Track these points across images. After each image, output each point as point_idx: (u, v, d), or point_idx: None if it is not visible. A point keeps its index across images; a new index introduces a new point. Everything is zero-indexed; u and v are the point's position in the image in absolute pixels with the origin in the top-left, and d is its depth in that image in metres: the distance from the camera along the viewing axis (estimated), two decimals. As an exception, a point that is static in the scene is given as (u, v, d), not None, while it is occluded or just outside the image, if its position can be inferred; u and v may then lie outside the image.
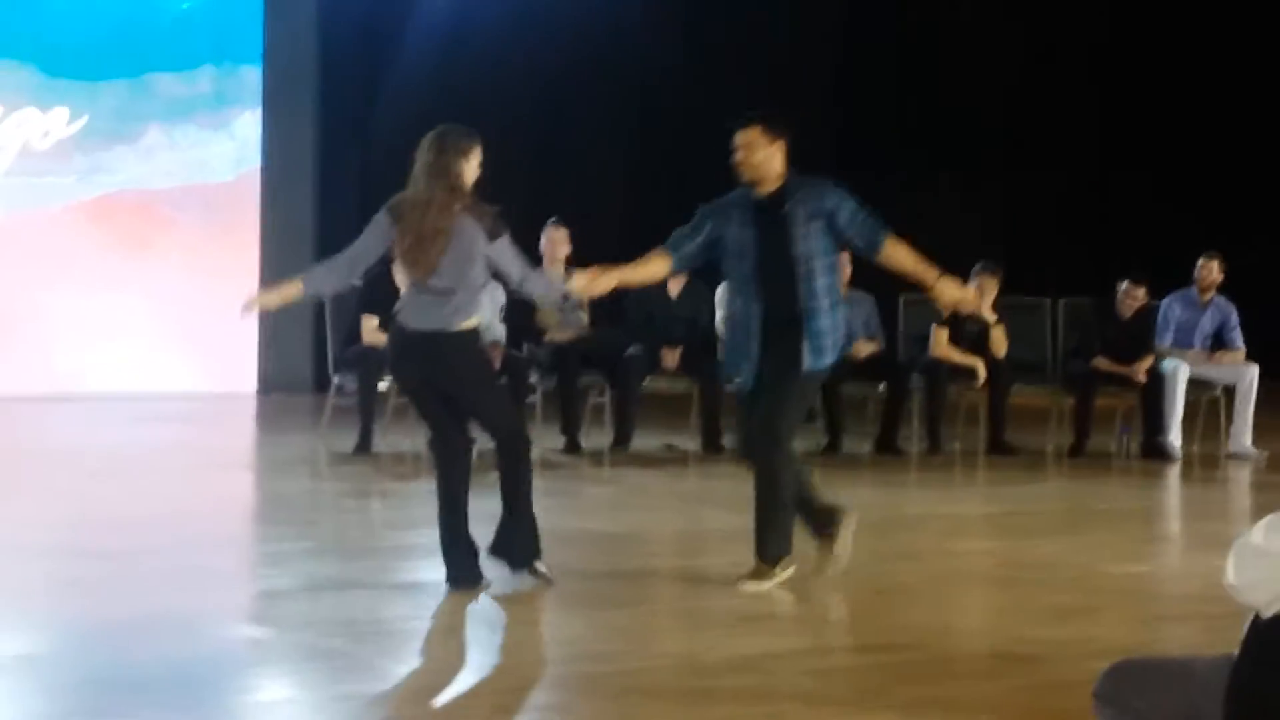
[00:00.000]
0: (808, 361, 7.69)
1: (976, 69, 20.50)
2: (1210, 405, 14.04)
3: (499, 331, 12.89)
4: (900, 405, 13.59)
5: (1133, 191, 20.91)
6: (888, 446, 13.49)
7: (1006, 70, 20.60)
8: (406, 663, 6.42)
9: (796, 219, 7.67)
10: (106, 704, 5.60)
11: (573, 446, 12.96)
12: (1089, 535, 9.83)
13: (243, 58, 18.01)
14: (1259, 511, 3.20)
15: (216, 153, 17.95)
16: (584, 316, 12.92)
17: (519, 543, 7.55)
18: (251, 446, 14.97)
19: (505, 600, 7.44)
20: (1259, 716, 3.36)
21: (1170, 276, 14.29)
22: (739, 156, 7.79)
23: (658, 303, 13.00)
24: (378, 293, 11.35)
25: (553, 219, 13.27)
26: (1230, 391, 13.85)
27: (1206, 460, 13.58)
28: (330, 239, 16.53)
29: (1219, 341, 14.02)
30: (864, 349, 13.56)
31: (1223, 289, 14.08)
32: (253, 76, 18.06)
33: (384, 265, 8.84)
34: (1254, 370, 13.75)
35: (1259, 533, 3.36)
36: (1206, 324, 14.03)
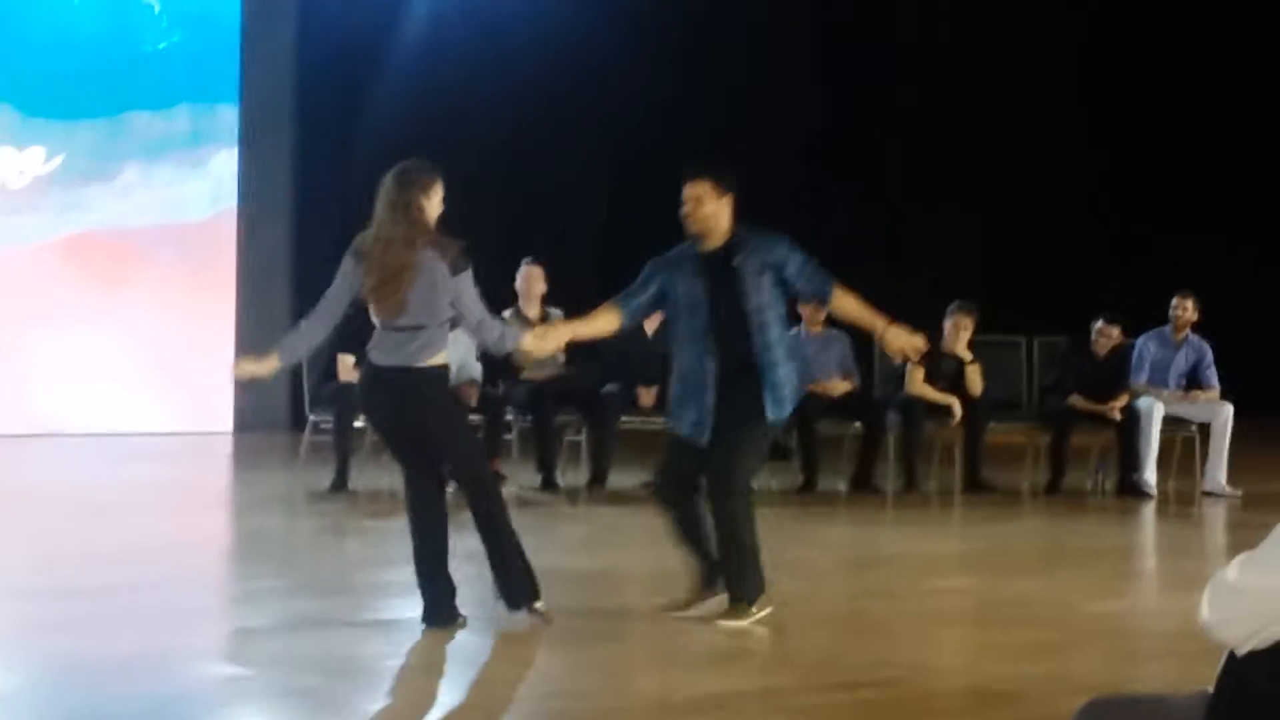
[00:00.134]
0: (771, 413, 7.75)
1: (954, 107, 20.58)
2: (1185, 443, 14.07)
3: (475, 370, 12.89)
4: (876, 443, 13.60)
5: (1108, 231, 20.99)
6: (864, 484, 13.50)
7: (985, 108, 20.68)
8: (382, 701, 6.40)
9: (748, 273, 7.71)
10: (81, 743, 5.59)
11: (549, 484, 12.96)
12: (1065, 573, 9.84)
13: (219, 96, 18.03)
14: (1234, 549, 3.21)
15: (193, 191, 17.95)
16: (560, 355, 12.93)
17: (511, 583, 7.52)
18: (227, 484, 14.95)
19: (481, 638, 7.43)
20: (1234, 753, 3.36)
21: (1145, 316, 14.33)
22: (687, 209, 7.82)
23: (634, 341, 13.00)
24: (353, 331, 11.33)
25: (528, 258, 13.30)
26: (1205, 429, 13.88)
27: (1182, 498, 13.61)
28: (307, 277, 16.55)
29: (1194, 380, 14.05)
30: (839, 387, 13.58)
31: (1197, 328, 14.11)
32: (229, 115, 18.08)
33: (360, 304, 8.83)
34: (1229, 409, 13.78)
35: (1233, 570, 3.36)
36: (1181, 362, 14.07)
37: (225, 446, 17.04)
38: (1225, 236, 21.01)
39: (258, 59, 18.12)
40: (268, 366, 7.80)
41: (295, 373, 14.75)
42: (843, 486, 13.55)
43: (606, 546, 10.49)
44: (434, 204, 7.50)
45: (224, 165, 18.06)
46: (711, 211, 7.78)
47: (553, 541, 10.38)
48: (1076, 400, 13.67)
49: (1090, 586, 9.26)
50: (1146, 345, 14.10)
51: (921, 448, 13.69)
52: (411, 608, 7.55)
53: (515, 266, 13.25)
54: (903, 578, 9.65)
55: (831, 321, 13.65)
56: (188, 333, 17.68)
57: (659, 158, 18.33)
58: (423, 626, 7.43)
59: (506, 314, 13.03)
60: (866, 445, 13.61)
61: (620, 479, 13.25)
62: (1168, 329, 14.10)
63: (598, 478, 13.17)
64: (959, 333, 13.57)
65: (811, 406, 13.43)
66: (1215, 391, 13.96)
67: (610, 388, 13.15)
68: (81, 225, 17.52)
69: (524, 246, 13.90)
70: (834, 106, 20.25)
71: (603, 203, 18.82)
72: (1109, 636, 7.94)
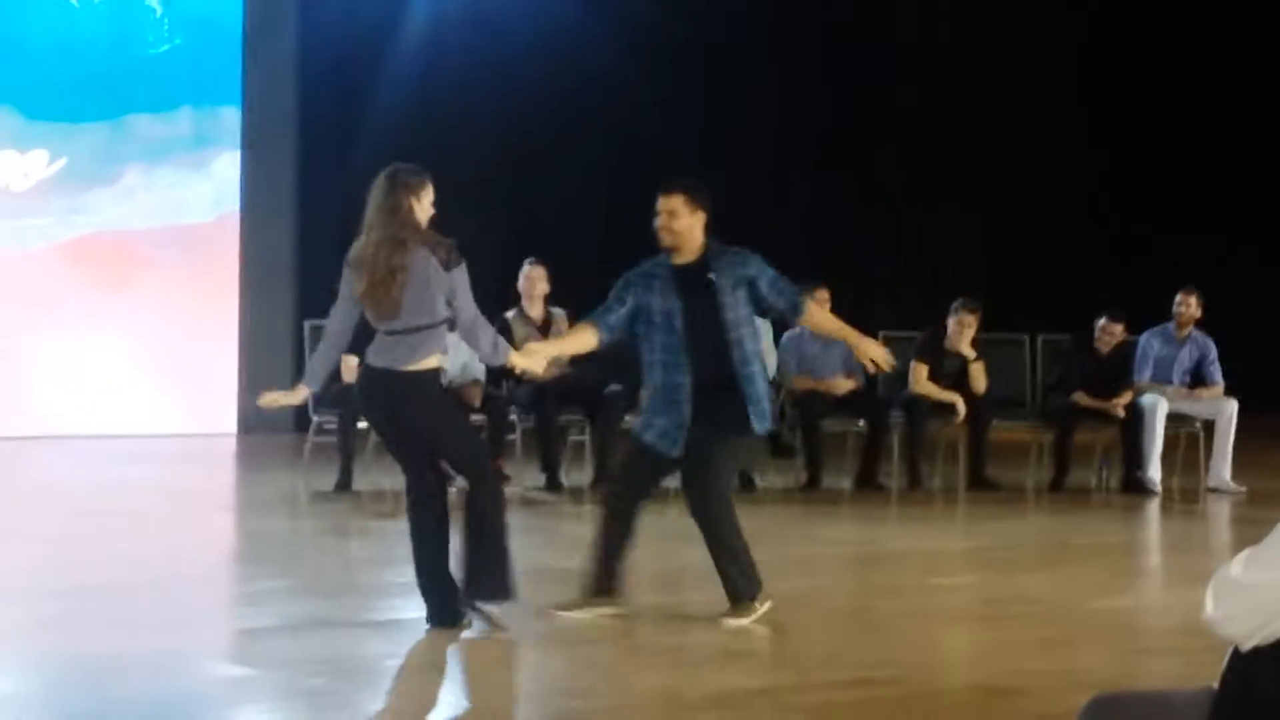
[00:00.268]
0: (758, 426, 7.79)
1: (955, 106, 20.58)
2: (1189, 440, 14.06)
3: (478, 370, 12.89)
4: (880, 441, 13.60)
5: (1110, 228, 21.00)
6: (868, 482, 13.50)
7: (987, 107, 20.68)
8: (386, 701, 6.41)
9: (723, 288, 7.73)
10: (86, 744, 5.59)
11: (553, 484, 12.96)
12: (1069, 569, 9.84)
13: (221, 99, 18.03)
14: (1238, 545, 3.21)
15: (195, 194, 17.95)
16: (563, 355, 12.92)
17: (480, 578, 7.46)
18: (232, 486, 14.95)
19: (485, 638, 7.42)
20: (1239, 748, 3.36)
21: (1148, 313, 14.32)
22: (661, 221, 7.82)
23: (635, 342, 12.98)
24: (358, 332, 11.33)
25: (531, 258, 13.30)
26: (1209, 426, 13.87)
27: (1186, 495, 13.60)
28: (310, 280, 16.57)
29: (1198, 376, 14.03)
30: (843, 386, 13.57)
31: (1200, 324, 14.10)
32: (232, 117, 18.07)
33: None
34: (1233, 405, 13.76)
35: (1238, 566, 3.36)
36: (1185, 359, 14.05)
37: (229, 448, 17.04)
38: (1228, 232, 21.02)
39: (260, 62, 18.12)
40: (298, 396, 7.84)
41: (299, 374, 14.75)
42: (847, 484, 13.56)
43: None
44: (424, 206, 7.49)
45: (226, 168, 18.06)
46: (685, 226, 7.79)
47: (556, 541, 10.37)
48: (1080, 397, 13.66)
49: (1095, 583, 9.26)
50: (1150, 342, 14.09)
51: (925, 445, 13.69)
52: (415, 608, 7.54)
53: (518, 267, 13.25)
54: (907, 575, 9.66)
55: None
56: (191, 335, 17.67)
57: (660, 158, 18.34)
58: (427, 627, 7.43)
59: (510, 314, 13.04)
60: (870, 443, 13.61)
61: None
62: (1171, 325, 14.08)
63: (601, 477, 13.16)
64: (962, 330, 13.57)
65: (815, 405, 13.45)
66: (1219, 388, 13.95)
67: (613, 388, 13.14)
68: (84, 228, 17.51)
69: (526, 247, 13.91)
70: (835, 106, 20.25)
71: (605, 203, 18.81)
72: (1114, 633, 7.94)
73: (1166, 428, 13.62)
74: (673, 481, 12.95)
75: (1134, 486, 13.51)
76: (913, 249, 20.34)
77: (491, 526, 7.48)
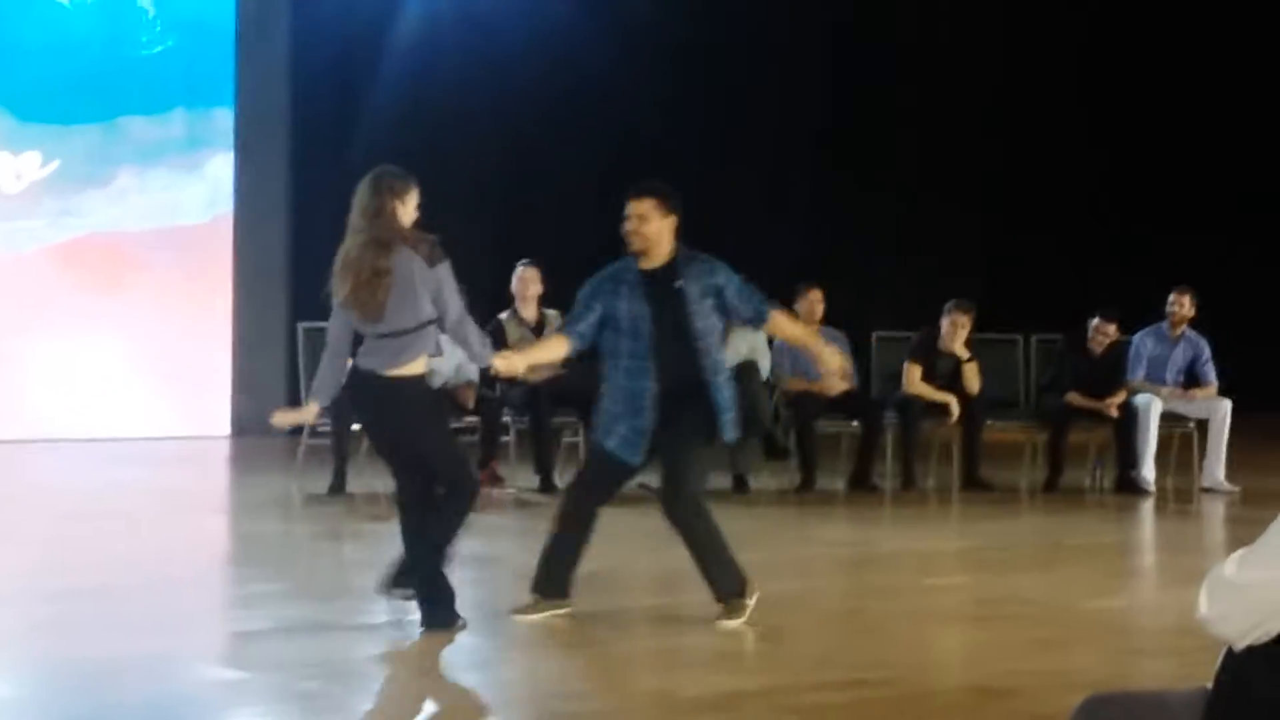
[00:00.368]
0: (727, 434, 7.81)
1: (954, 106, 20.59)
2: (1183, 440, 14.08)
3: (472, 372, 12.89)
4: (874, 442, 13.60)
5: (1105, 229, 21.01)
6: (862, 483, 13.50)
7: (985, 108, 20.70)
8: (381, 704, 6.41)
9: (692, 295, 7.72)
10: (80, 748, 5.59)
11: (547, 486, 12.95)
12: (1063, 570, 9.85)
13: (214, 100, 18.02)
14: (1232, 545, 3.21)
15: (189, 195, 17.94)
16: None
17: (408, 573, 7.51)
18: (225, 488, 14.95)
19: (480, 640, 7.43)
20: (1233, 749, 3.36)
21: (1141, 313, 14.33)
22: (631, 225, 7.81)
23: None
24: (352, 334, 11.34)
25: (524, 260, 13.30)
26: (1203, 426, 13.88)
27: (1180, 494, 13.61)
28: (304, 282, 16.51)
29: (1191, 376, 14.05)
30: (837, 386, 13.56)
31: (1193, 324, 14.11)
32: (225, 119, 18.07)
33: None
34: (1227, 405, 13.77)
35: (1231, 565, 3.36)
36: (1179, 359, 14.06)
37: (223, 450, 17.04)
38: (1222, 233, 21.04)
39: (253, 63, 18.11)
40: (310, 413, 7.83)
41: (292, 377, 14.76)
42: (841, 485, 13.56)
43: (605, 547, 10.45)
44: (409, 209, 7.48)
45: (220, 169, 18.05)
46: (656, 230, 7.77)
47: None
48: (1074, 397, 13.67)
49: (1088, 583, 9.27)
50: (1144, 342, 14.10)
51: (919, 446, 13.69)
52: (410, 610, 7.54)
53: (512, 269, 13.25)
54: (901, 576, 9.66)
55: (829, 320, 13.69)
56: (184, 337, 17.67)
57: (658, 158, 18.34)
58: (421, 630, 7.42)
59: (503, 316, 13.04)
60: (864, 444, 13.61)
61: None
62: (1164, 325, 14.10)
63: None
64: (956, 331, 13.57)
65: (809, 405, 13.45)
66: (1213, 387, 13.96)
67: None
68: (77, 230, 17.49)
69: (521, 249, 13.90)
70: (832, 106, 20.25)
71: (600, 204, 18.74)
72: (1107, 633, 7.94)
73: (1160, 428, 13.64)
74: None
75: (1128, 486, 13.52)
76: (907, 250, 20.33)
77: (441, 544, 7.47)
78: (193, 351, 17.74)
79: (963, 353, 13.60)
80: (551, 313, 13.02)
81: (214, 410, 17.79)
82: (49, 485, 14.01)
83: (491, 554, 9.57)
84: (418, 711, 6.32)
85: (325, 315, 7.72)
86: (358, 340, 7.59)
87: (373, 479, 12.55)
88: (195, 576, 9.67)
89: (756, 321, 8.04)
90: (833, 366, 8.14)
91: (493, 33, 18.65)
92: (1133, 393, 13.72)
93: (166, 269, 17.69)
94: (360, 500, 12.38)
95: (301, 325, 13.18)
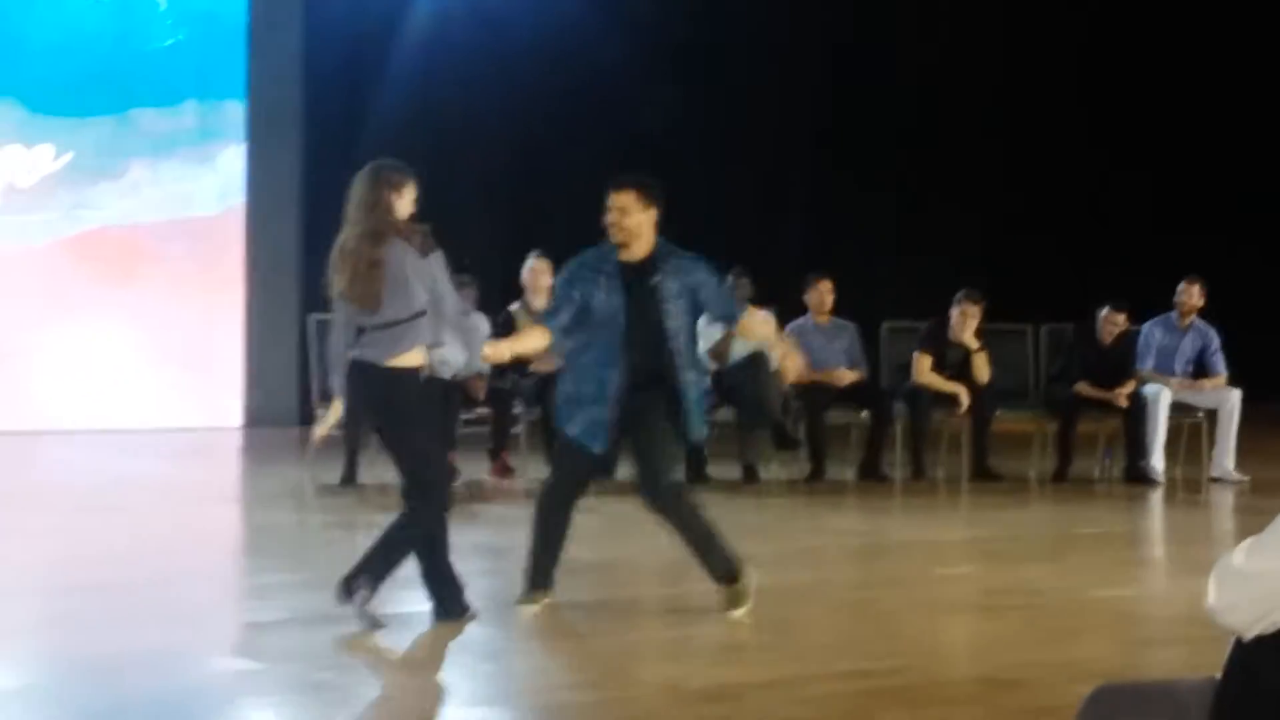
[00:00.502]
0: (694, 433, 7.90)
1: (959, 97, 20.57)
2: (1192, 430, 14.07)
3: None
4: (883, 432, 13.61)
5: (1114, 219, 20.99)
6: (871, 473, 13.52)
7: (991, 98, 20.68)
8: (393, 694, 6.43)
9: (668, 293, 7.74)
10: (96, 738, 5.62)
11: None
12: (1073, 560, 9.87)
13: (226, 92, 18.04)
14: (1241, 535, 3.23)
15: (201, 187, 17.96)
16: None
17: (363, 575, 7.44)
18: (237, 479, 14.97)
19: (492, 630, 7.45)
20: (1241, 739, 3.38)
21: (1150, 303, 14.33)
22: (612, 218, 7.82)
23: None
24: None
25: (535, 251, 13.31)
26: (1212, 416, 13.87)
27: (1189, 484, 13.61)
28: (315, 273, 16.49)
29: (1200, 366, 14.04)
30: (846, 376, 13.59)
31: (1202, 313, 14.11)
32: (237, 111, 18.08)
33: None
34: (1236, 394, 13.77)
35: (1240, 555, 3.37)
36: (1187, 348, 14.06)
37: (235, 441, 17.05)
38: (1232, 224, 21.00)
39: (264, 55, 18.12)
40: (338, 410, 7.83)
41: (304, 368, 14.78)
42: (850, 475, 13.57)
43: (615, 538, 10.49)
44: (405, 203, 7.49)
45: (232, 161, 18.07)
46: (636, 223, 7.79)
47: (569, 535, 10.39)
48: (1083, 387, 13.68)
49: (1098, 573, 9.28)
50: (1152, 331, 14.10)
51: (929, 436, 13.70)
52: (422, 600, 7.57)
53: (522, 260, 13.27)
54: (911, 566, 9.68)
55: (838, 311, 13.72)
56: (197, 328, 17.69)
57: (664, 154, 18.39)
58: (432, 620, 7.45)
59: (514, 307, 13.06)
60: (874, 434, 13.62)
61: (628, 470, 13.23)
62: (1173, 315, 14.10)
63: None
64: (965, 321, 13.58)
65: (819, 396, 13.46)
66: (1222, 377, 13.96)
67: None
68: (90, 222, 17.52)
69: (530, 240, 13.91)
70: (839, 98, 20.23)
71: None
72: (1117, 623, 7.96)
73: (1169, 417, 13.64)
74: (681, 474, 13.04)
75: (1137, 476, 13.53)
76: (916, 240, 20.32)
77: (403, 548, 7.48)
78: (205, 343, 17.77)
79: (972, 343, 13.61)
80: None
81: (226, 401, 17.82)
82: (62, 477, 14.04)
83: (502, 544, 9.59)
84: (429, 701, 6.34)
85: (336, 307, 7.74)
86: (358, 333, 7.60)
87: (384, 470, 12.56)
88: (208, 567, 9.71)
89: (728, 321, 8.10)
90: (796, 369, 8.14)
91: (502, 28, 18.66)
92: (1142, 383, 13.73)
93: (179, 261, 17.72)
94: (372, 491, 12.39)
95: (313, 316, 13.20)
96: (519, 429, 13.33)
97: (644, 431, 7.73)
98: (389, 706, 6.21)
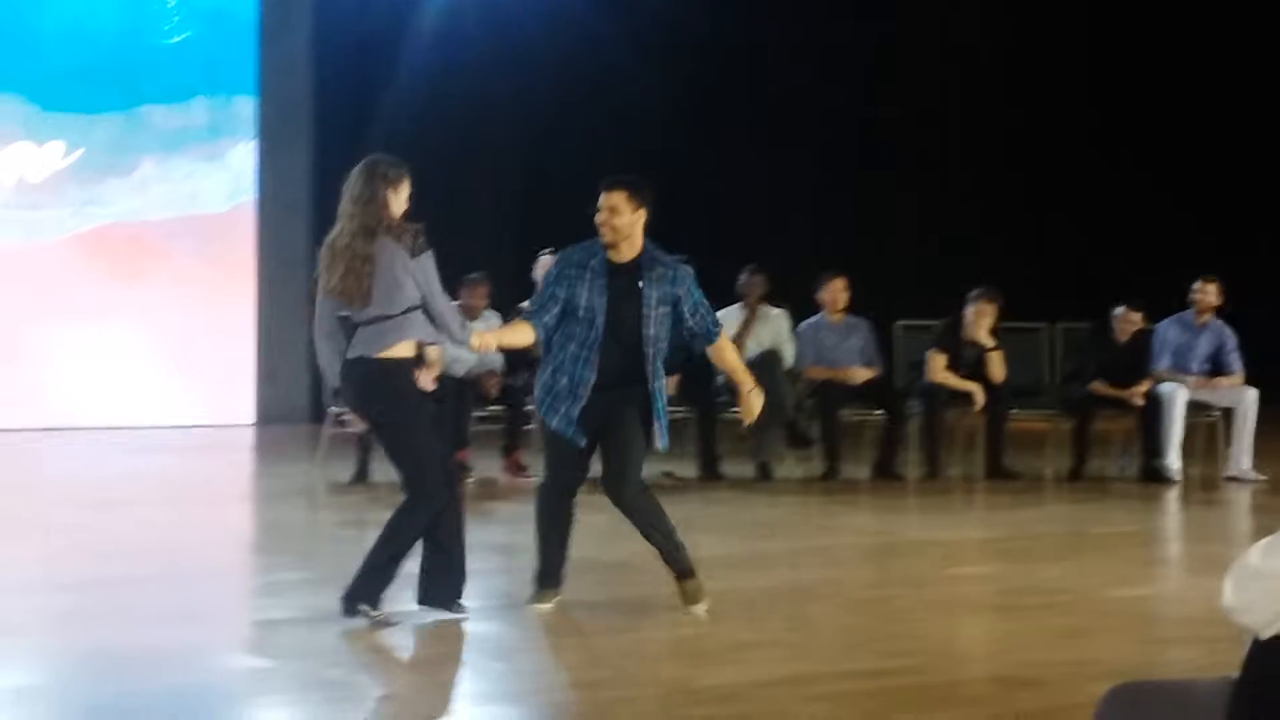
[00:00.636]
0: (660, 442, 7.87)
1: (976, 95, 20.56)
2: (1209, 428, 14.03)
3: (495, 361, 12.90)
4: (898, 430, 13.59)
5: (1129, 216, 20.95)
6: (886, 472, 13.49)
7: (1008, 96, 20.66)
8: (403, 692, 6.40)
9: (650, 299, 7.72)
10: (103, 736, 5.59)
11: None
12: (1089, 559, 9.82)
13: (237, 89, 18.05)
14: (1258, 534, 3.19)
15: (211, 184, 17.97)
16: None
17: (365, 585, 7.42)
18: (249, 477, 14.97)
19: (502, 629, 7.44)
20: (1260, 738, 3.34)
21: (1166, 300, 14.29)
22: (602, 217, 7.82)
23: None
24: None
25: (548, 249, 13.28)
26: (1229, 414, 13.83)
27: (1206, 483, 13.57)
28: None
29: (1216, 365, 14.00)
30: (860, 375, 13.56)
31: (1218, 312, 14.06)
32: (247, 107, 18.09)
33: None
34: (1253, 393, 13.73)
35: (1256, 554, 3.34)
36: (1203, 347, 14.01)
37: (246, 439, 17.07)
38: (1249, 220, 20.96)
39: (274, 51, 18.13)
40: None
41: (315, 365, 14.77)
42: (865, 474, 13.54)
43: (626, 536, 10.41)
44: (400, 199, 7.48)
45: (242, 158, 18.08)
46: (626, 223, 7.78)
47: (573, 531, 10.37)
48: (1099, 386, 13.64)
49: (1114, 572, 9.24)
50: (1168, 330, 14.06)
51: (943, 435, 13.67)
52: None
53: (533, 258, 13.24)
54: (925, 565, 9.64)
55: (852, 309, 13.69)
56: (207, 325, 17.70)
57: (677, 152, 18.39)
58: (420, 604, 7.43)
59: (525, 304, 13.02)
60: (888, 433, 13.60)
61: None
62: (1189, 314, 14.05)
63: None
64: (981, 320, 13.55)
65: (833, 394, 13.44)
66: (1238, 376, 13.91)
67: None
68: (100, 219, 17.53)
69: (541, 238, 13.88)
70: (860, 97, 20.20)
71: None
72: (1133, 622, 7.92)
73: (1185, 416, 13.60)
74: (685, 471, 13.01)
75: (1153, 475, 13.49)
76: (931, 238, 20.31)
77: (396, 546, 7.44)
78: (215, 340, 17.78)
79: (987, 341, 13.58)
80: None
81: (237, 399, 17.82)
82: (72, 474, 14.04)
83: (515, 543, 9.55)
84: (440, 699, 6.31)
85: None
86: (350, 330, 7.57)
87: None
88: (219, 565, 9.69)
89: (704, 340, 7.98)
90: (752, 410, 8.09)
91: (512, 24, 18.66)
92: (1158, 381, 13.69)
93: (188, 258, 17.73)
94: (383, 489, 12.36)
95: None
96: (532, 426, 13.30)
97: (614, 430, 7.74)
98: (399, 705, 6.18)
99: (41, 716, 5.91)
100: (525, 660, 7.05)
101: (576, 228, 7.97)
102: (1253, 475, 13.63)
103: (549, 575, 7.89)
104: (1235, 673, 3.37)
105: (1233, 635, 3.25)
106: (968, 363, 13.57)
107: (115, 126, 17.51)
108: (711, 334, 7.97)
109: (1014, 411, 13.80)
